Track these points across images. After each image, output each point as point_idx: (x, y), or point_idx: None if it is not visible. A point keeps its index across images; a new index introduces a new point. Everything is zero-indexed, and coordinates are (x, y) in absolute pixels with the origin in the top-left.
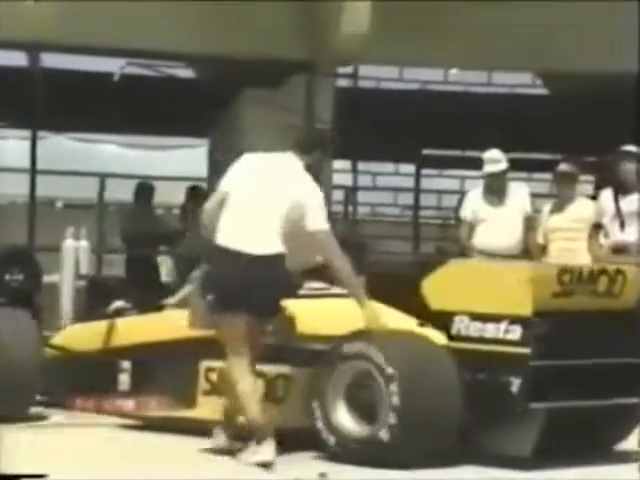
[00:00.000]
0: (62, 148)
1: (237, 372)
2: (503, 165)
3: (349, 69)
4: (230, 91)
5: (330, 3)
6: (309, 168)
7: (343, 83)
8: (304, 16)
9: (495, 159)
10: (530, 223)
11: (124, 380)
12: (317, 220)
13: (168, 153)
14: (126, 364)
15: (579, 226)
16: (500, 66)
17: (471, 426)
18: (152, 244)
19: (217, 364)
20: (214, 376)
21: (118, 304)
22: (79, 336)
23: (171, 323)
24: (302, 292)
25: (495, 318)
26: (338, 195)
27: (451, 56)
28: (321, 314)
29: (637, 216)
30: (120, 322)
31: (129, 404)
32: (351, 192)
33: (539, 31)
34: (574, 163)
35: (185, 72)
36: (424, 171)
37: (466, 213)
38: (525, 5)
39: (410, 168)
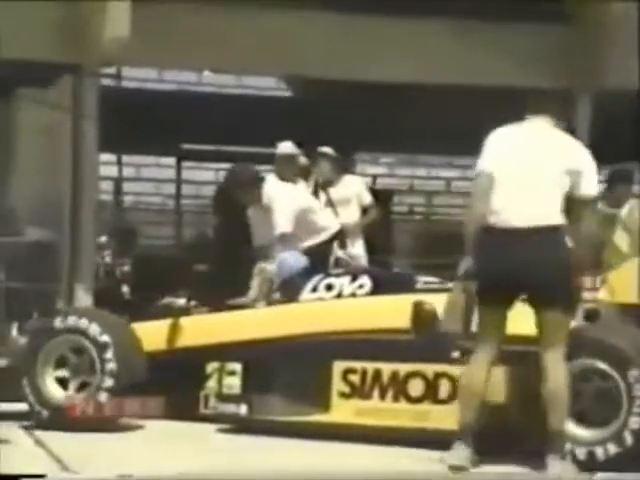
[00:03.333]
0: None
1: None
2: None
3: (113, 70)
4: (4, 90)
5: (92, 8)
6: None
7: (108, 83)
8: (70, 20)
9: (288, 147)
10: None
11: (233, 383)
12: (591, 185)
13: None
14: (236, 366)
15: None
16: (248, 70)
17: None
18: None
19: (357, 364)
20: (354, 378)
21: (180, 301)
22: (151, 335)
23: (289, 318)
24: (420, 286)
25: None
26: (107, 186)
27: (204, 59)
28: None
29: (345, 202)
30: (220, 317)
31: (243, 408)
32: (118, 183)
33: (285, 37)
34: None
35: None
36: (184, 163)
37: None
38: (273, 12)
39: (171, 161)
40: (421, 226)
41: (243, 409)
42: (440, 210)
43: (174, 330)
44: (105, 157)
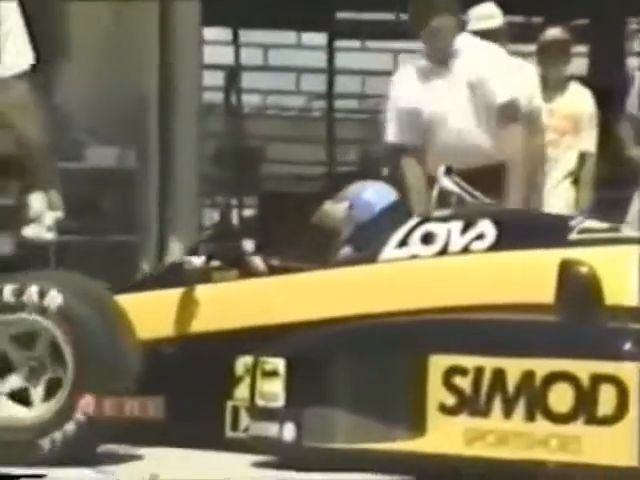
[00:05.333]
0: None
1: None
2: (497, 21)
3: None
4: None
5: None
6: None
7: None
8: None
9: (487, 14)
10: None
11: (273, 391)
12: None
13: None
14: (277, 362)
15: (568, 126)
16: None
17: None
18: None
19: (468, 361)
20: (463, 382)
21: (195, 261)
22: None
23: (362, 288)
24: (575, 237)
25: None
26: (214, 78)
27: None
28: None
29: None
30: (254, 285)
31: (288, 430)
32: (233, 74)
33: None
34: (565, 28)
35: None
36: (339, 43)
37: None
38: None
39: (319, 38)
40: None
41: (289, 431)
42: None
43: (186, 306)
44: (213, 33)
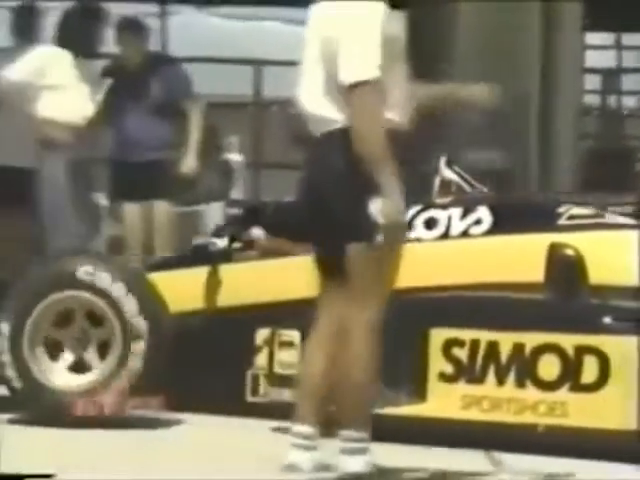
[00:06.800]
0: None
1: None
2: None
3: None
4: None
5: None
6: None
7: None
8: None
9: None
10: None
11: (289, 360)
12: None
13: None
14: (293, 334)
15: None
16: None
17: None
18: None
19: (465, 334)
20: (461, 353)
21: (219, 242)
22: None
23: None
24: (564, 222)
25: None
26: (593, 82)
27: None
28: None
29: None
30: (272, 265)
31: None
32: (613, 77)
33: None
34: None
35: None
36: None
37: None
38: None
39: None
40: None
41: None
42: None
43: (211, 283)
44: (594, 38)
